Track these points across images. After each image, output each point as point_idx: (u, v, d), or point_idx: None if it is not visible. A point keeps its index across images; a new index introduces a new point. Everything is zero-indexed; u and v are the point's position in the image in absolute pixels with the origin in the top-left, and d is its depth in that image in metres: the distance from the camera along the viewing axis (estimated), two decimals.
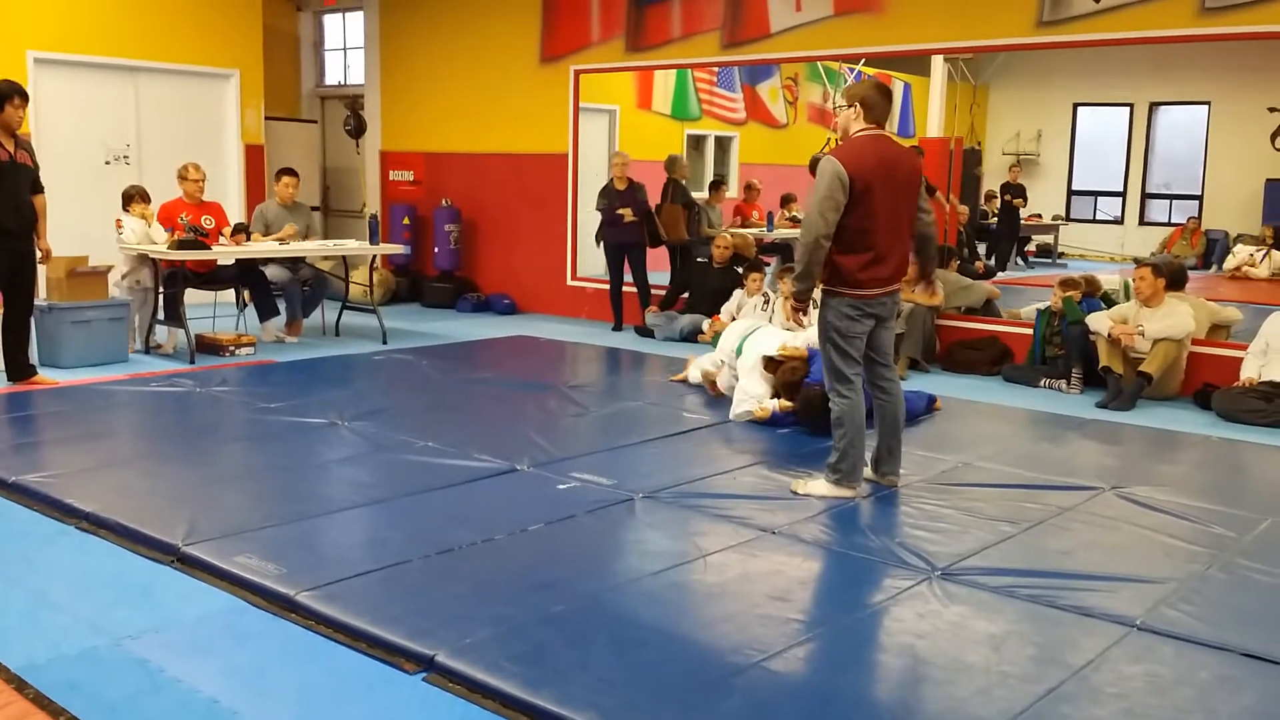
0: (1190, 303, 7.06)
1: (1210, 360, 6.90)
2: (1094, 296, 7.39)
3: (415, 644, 2.99)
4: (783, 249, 12.14)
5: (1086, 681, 2.88)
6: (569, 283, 10.44)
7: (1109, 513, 4.41)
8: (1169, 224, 16.75)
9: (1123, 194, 17.30)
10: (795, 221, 12.47)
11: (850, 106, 4.42)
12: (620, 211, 9.22)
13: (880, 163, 4.29)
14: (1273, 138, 15.27)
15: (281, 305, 8.43)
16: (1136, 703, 2.77)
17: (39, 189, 6.35)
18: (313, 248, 8.49)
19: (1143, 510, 4.43)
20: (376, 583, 3.45)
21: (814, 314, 4.61)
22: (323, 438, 5.34)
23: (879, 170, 4.27)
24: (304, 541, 3.84)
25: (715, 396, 6.41)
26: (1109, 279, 8.41)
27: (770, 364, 5.83)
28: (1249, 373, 6.50)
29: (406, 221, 11.24)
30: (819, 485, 4.52)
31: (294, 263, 8.49)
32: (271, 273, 8.35)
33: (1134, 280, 6.95)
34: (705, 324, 8.86)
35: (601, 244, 9.58)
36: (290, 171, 8.74)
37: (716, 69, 13.32)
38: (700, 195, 11.22)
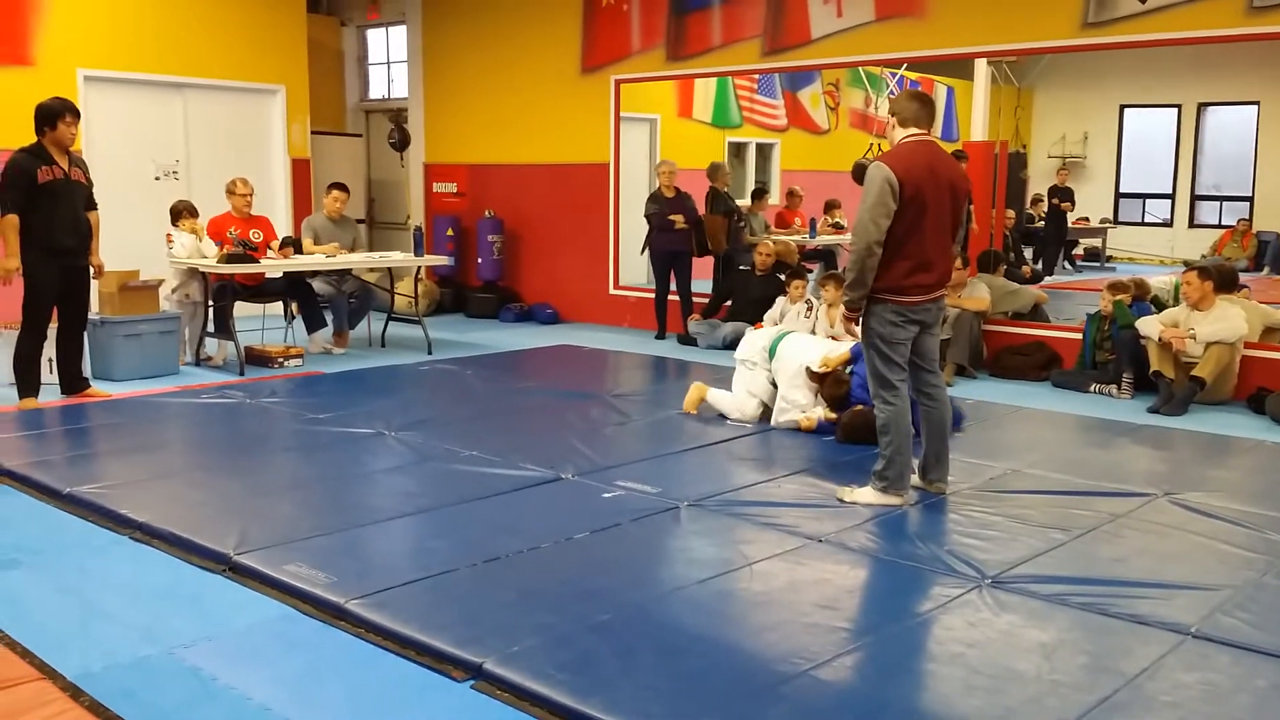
0: (1242, 305, 6.94)
1: (1264, 364, 6.78)
2: (1143, 300, 7.29)
3: (463, 652, 3.00)
4: (825, 255, 12.09)
5: (1140, 690, 2.83)
6: (611, 292, 10.46)
7: (1161, 519, 4.35)
8: (1219, 226, 16.48)
9: (1171, 196, 17.05)
10: (838, 228, 12.43)
11: (889, 121, 4.49)
12: (672, 218, 9.22)
13: (929, 168, 4.28)
14: None
15: (328, 317, 8.53)
16: (1191, 711, 2.73)
17: (93, 205, 6.47)
18: (358, 260, 8.59)
19: (1196, 516, 4.36)
20: (424, 591, 3.47)
21: None
22: (369, 448, 5.40)
23: (928, 176, 4.26)
24: (352, 550, 3.88)
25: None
26: (1159, 282, 8.30)
27: (814, 375, 5.80)
28: None
29: (450, 233, 11.33)
30: (866, 493, 4.49)
31: (340, 275, 8.59)
32: (318, 285, 8.45)
33: (1182, 284, 6.85)
34: (748, 331, 8.83)
35: (647, 252, 9.59)
36: (341, 186, 8.84)
37: (757, 76, 13.31)
38: (743, 203, 11.19)
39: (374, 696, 2.87)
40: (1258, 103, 15.79)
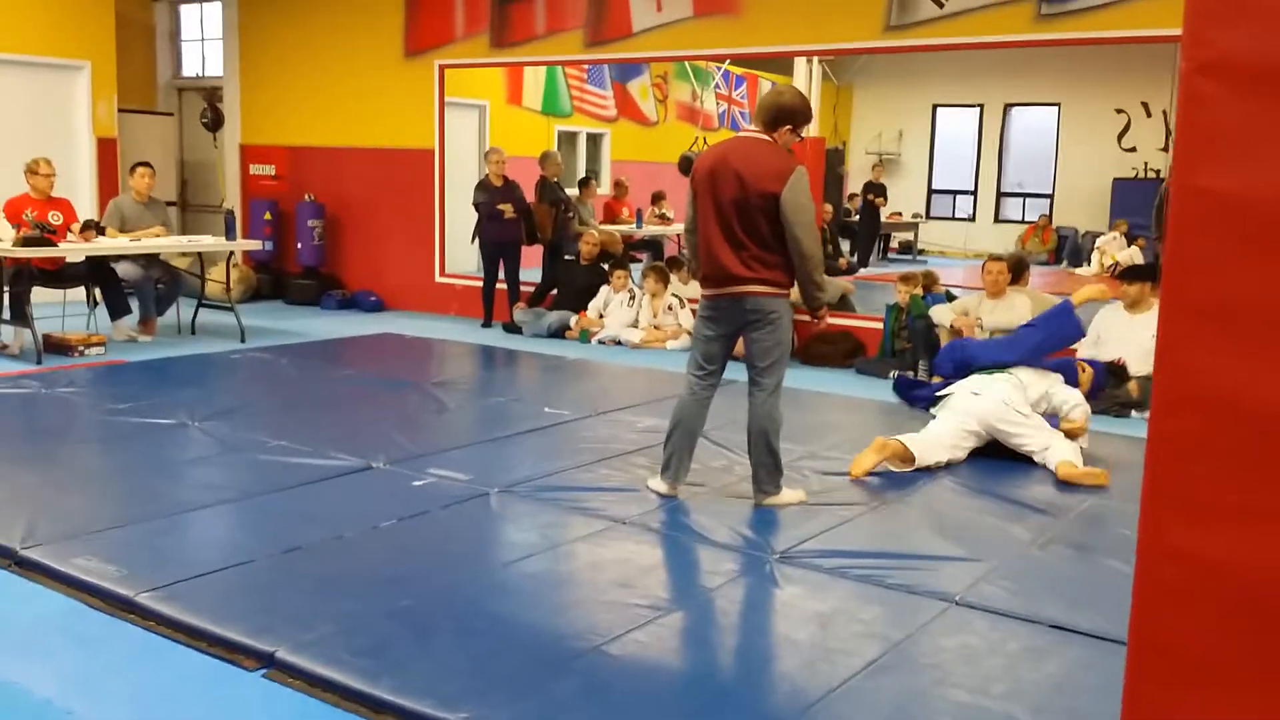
0: (1028, 294, 7.43)
1: None
2: (935, 291, 7.71)
3: (255, 641, 3.00)
4: (652, 246, 12.31)
5: (904, 654, 3.05)
6: (438, 279, 10.40)
7: (943, 497, 4.65)
8: (1023, 221, 17.51)
9: (974, 192, 18.01)
10: (665, 219, 12.69)
11: None
12: (500, 207, 9.22)
13: (718, 160, 4.27)
14: (1119, 138, 16.12)
15: (134, 303, 8.21)
16: (948, 672, 2.96)
17: None
18: (166, 244, 8.29)
19: (974, 494, 4.68)
20: (219, 582, 3.43)
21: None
22: (172, 438, 5.25)
23: (711, 169, 4.25)
24: (147, 543, 3.79)
25: None
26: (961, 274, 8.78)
27: None
28: None
29: (268, 217, 11.03)
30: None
31: (147, 259, 8.27)
32: (123, 270, 8.12)
33: (984, 273, 7.28)
34: (572, 320, 8.95)
35: (477, 241, 9.56)
36: (146, 164, 8.50)
37: (587, 66, 13.41)
38: (572, 192, 11.29)
39: (161, 688, 2.84)
40: (1059, 104, 16.82)
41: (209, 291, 8.96)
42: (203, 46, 12.58)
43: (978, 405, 5.21)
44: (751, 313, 4.27)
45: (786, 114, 4.27)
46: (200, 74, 12.60)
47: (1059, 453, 4.99)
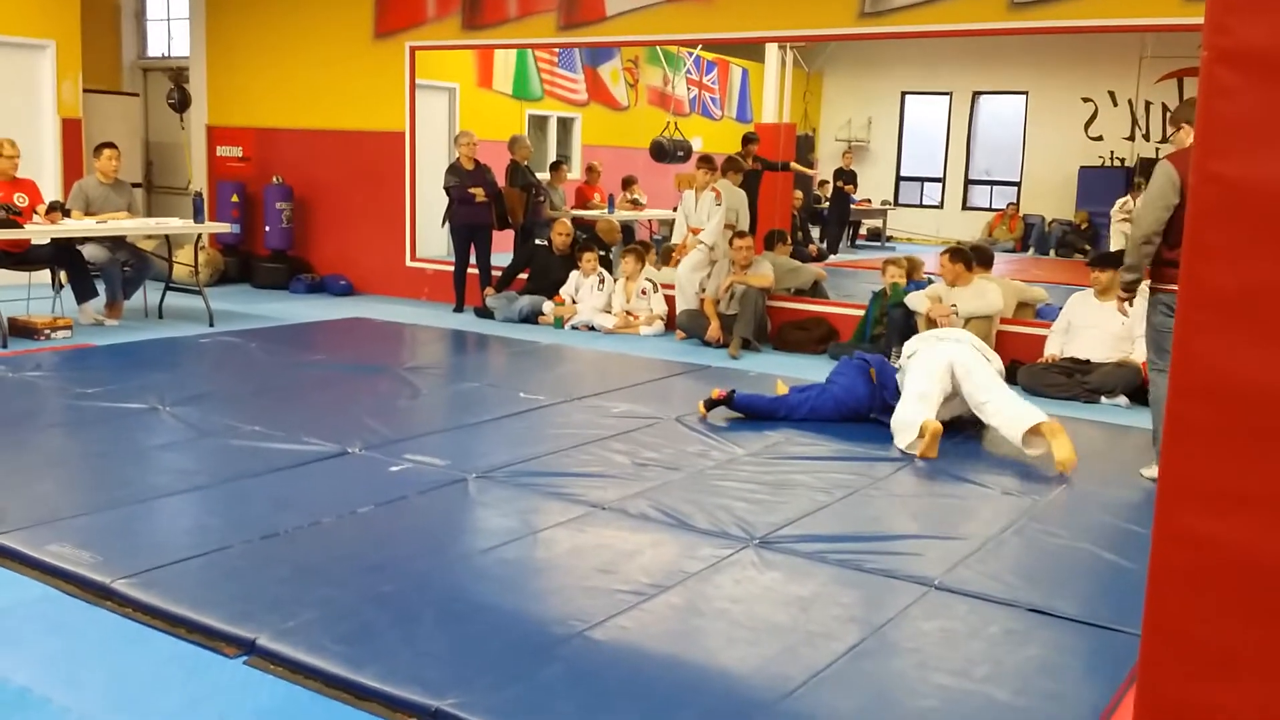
0: (997, 282, 7.49)
1: (1017, 338, 7.34)
2: (916, 278, 7.75)
3: (236, 628, 2.97)
4: (624, 231, 12.27)
5: (885, 638, 3.08)
6: (409, 263, 10.33)
7: (919, 481, 4.69)
8: (990, 209, 17.62)
9: (942, 180, 18.11)
10: (636, 204, 12.65)
11: (1179, 129, 4.97)
12: (471, 191, 9.16)
13: None
14: (1085, 126, 16.25)
15: (101, 286, 8.09)
16: (929, 655, 2.98)
17: None
18: (133, 226, 8.17)
19: (949, 479, 4.72)
20: (196, 569, 3.40)
21: None
22: (142, 423, 5.18)
23: None
24: (120, 529, 3.75)
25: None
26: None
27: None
28: (1051, 349, 6.94)
29: (235, 199, 10.90)
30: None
31: (113, 242, 8.15)
32: (89, 252, 8.00)
33: (938, 266, 7.34)
34: (546, 305, 8.92)
35: (448, 225, 9.50)
36: (111, 145, 8.37)
37: (558, 50, 13.34)
38: (543, 176, 11.24)
39: (140, 675, 2.81)
40: (1026, 92, 16.93)
41: (176, 274, 8.85)
42: (169, 26, 12.41)
43: (947, 349, 5.39)
44: None
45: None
46: (166, 54, 12.42)
47: (1023, 413, 5.05)
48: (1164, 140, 15.11)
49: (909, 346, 5.69)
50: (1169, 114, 5.43)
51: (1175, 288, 4.76)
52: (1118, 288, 5.17)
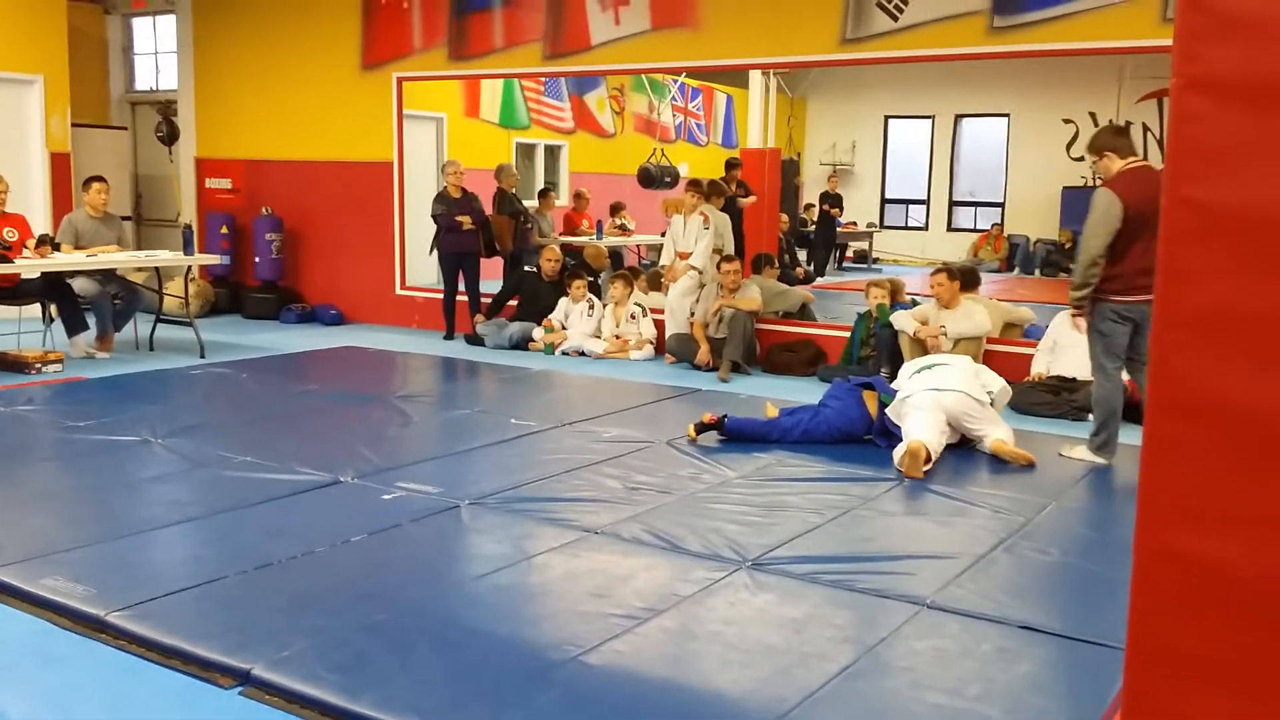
0: (984, 303, 7.55)
1: (1004, 357, 7.37)
2: (900, 300, 7.81)
3: (230, 658, 2.98)
4: (613, 257, 12.32)
5: (878, 658, 3.10)
6: (398, 292, 10.36)
7: (909, 502, 4.72)
8: (975, 230, 17.75)
9: (927, 202, 18.24)
10: (624, 230, 12.71)
11: (1102, 157, 5.24)
12: (459, 219, 9.22)
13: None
14: (1067, 147, 16.40)
15: (91, 320, 8.11)
16: (923, 675, 3.00)
17: None
18: (123, 259, 8.19)
19: (939, 499, 4.74)
20: (190, 600, 3.41)
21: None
22: (135, 456, 5.19)
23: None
24: (114, 562, 3.75)
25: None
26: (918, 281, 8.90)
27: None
28: (1038, 368, 6.99)
29: (225, 231, 10.93)
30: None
31: (104, 275, 8.17)
32: (79, 286, 8.01)
33: (932, 284, 7.39)
34: (536, 332, 8.95)
35: (436, 253, 9.55)
36: (100, 179, 8.40)
37: (544, 79, 13.43)
38: (530, 204, 11.30)
39: (136, 707, 2.81)
40: (1008, 115, 17.10)
41: (167, 306, 8.86)
42: (156, 60, 12.45)
43: (943, 400, 5.46)
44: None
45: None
46: (154, 87, 12.46)
47: (996, 433, 5.50)
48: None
49: (901, 389, 5.70)
50: (1089, 142, 5.62)
51: (1120, 298, 5.11)
52: None
